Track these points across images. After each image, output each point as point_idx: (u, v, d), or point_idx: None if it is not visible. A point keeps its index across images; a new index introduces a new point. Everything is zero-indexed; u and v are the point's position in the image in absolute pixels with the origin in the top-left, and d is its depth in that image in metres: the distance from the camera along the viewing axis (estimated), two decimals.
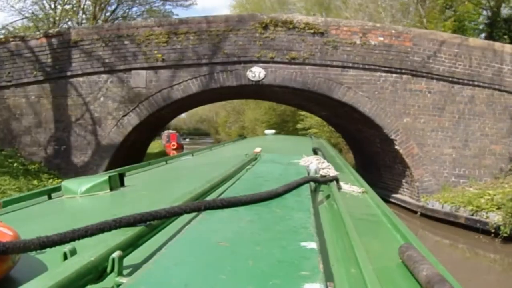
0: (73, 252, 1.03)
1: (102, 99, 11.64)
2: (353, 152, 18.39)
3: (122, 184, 2.77)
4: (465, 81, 11.87)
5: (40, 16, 23.75)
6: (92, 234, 1.08)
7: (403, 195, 13.21)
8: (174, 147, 33.40)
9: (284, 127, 31.35)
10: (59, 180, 10.59)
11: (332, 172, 2.91)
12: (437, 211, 11.18)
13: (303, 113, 24.67)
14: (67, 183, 2.59)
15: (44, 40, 11.56)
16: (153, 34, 11.59)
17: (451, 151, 11.96)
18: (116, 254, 1.00)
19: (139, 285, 0.85)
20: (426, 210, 11.59)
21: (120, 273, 1.00)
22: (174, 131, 40.69)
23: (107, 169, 11.12)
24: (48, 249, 1.04)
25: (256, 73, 11.67)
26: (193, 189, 1.83)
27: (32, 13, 22.96)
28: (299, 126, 26.01)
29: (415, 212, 11.91)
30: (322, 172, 2.88)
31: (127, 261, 1.08)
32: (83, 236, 1.06)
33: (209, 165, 4.20)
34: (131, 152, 13.25)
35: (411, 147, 11.97)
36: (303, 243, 1.15)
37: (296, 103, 17.68)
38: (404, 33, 11.93)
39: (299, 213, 1.54)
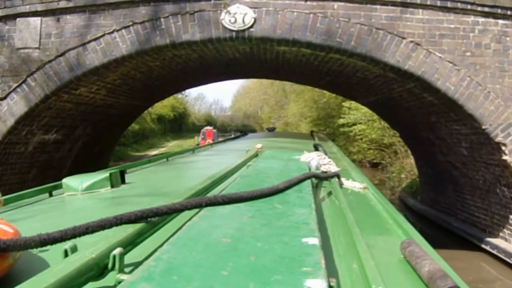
0: (74, 249, 1.02)
1: None
2: (416, 159, 12.27)
3: (123, 181, 2.75)
4: None
5: None
6: (93, 231, 1.07)
7: (510, 243, 7.44)
8: None
9: (329, 123, 26.92)
10: None
11: (333, 168, 2.86)
12: None
13: (348, 103, 19.39)
14: (68, 180, 2.52)
15: None
16: None
17: None
18: (117, 251, 0.99)
19: (140, 282, 0.83)
20: None
21: (121, 270, 0.99)
22: (211, 128, 37.43)
23: None
24: (49, 246, 1.03)
25: (239, 16, 6.28)
26: (194, 186, 1.86)
27: None
28: (341, 121, 20.84)
29: None
30: (323, 168, 2.84)
31: (128, 258, 1.07)
32: (84, 233, 1.05)
33: (210, 162, 4.33)
34: (43, 162, 8.18)
35: None
36: (304, 239, 1.14)
37: (321, 82, 11.69)
38: None
39: (300, 209, 1.52)
